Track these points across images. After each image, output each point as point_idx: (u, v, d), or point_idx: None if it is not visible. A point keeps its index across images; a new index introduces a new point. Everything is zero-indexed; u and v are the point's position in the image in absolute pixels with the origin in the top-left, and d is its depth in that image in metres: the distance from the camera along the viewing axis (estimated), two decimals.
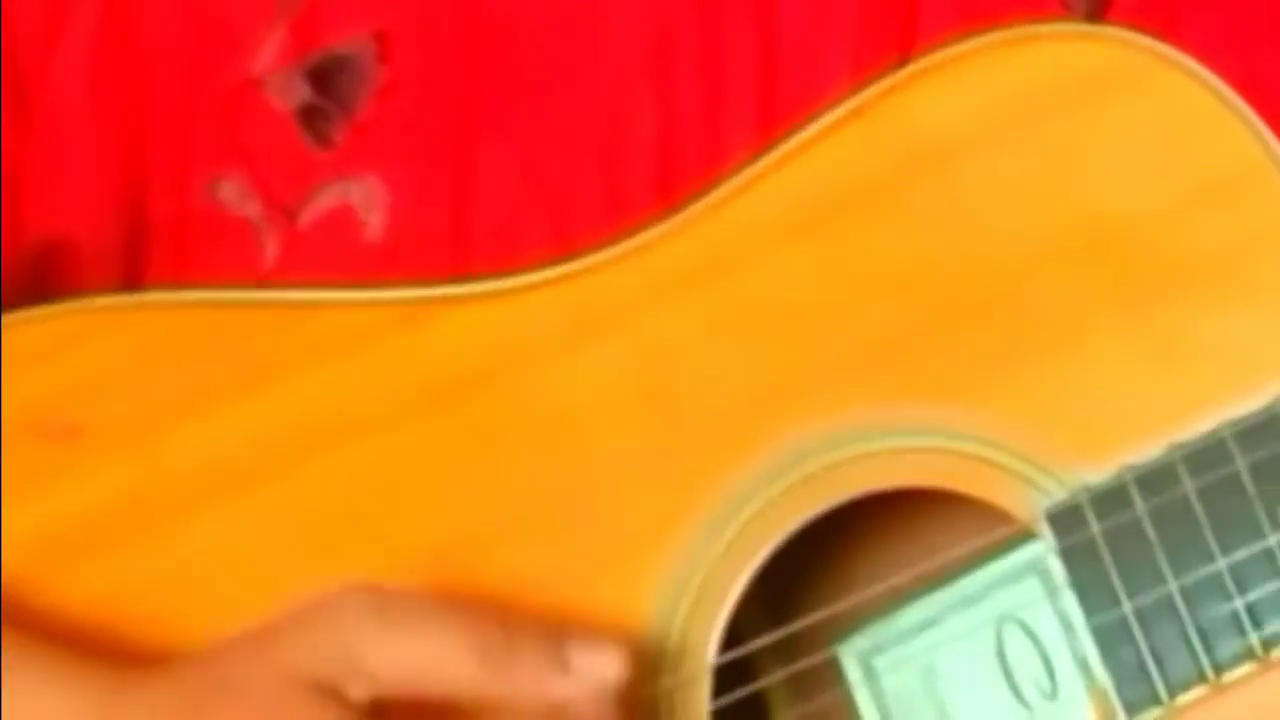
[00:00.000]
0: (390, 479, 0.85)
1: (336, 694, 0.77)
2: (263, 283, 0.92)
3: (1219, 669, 0.78)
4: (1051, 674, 0.84)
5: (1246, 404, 0.80)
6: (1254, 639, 0.78)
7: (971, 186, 0.84)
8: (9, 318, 0.86)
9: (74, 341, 0.88)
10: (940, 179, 0.84)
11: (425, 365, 0.86)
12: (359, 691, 0.77)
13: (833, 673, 0.86)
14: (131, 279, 0.94)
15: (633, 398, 0.85)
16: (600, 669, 0.78)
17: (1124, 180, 0.83)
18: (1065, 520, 0.81)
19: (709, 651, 0.82)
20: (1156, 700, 0.78)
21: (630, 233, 0.86)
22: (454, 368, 0.86)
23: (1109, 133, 0.83)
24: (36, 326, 0.88)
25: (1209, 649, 0.78)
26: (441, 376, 0.86)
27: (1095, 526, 0.80)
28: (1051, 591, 0.83)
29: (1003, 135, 0.83)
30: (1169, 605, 0.79)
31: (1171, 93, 0.82)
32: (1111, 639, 0.80)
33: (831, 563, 0.88)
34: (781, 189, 0.85)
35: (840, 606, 0.85)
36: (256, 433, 0.86)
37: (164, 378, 0.87)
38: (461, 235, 0.93)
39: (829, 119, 0.84)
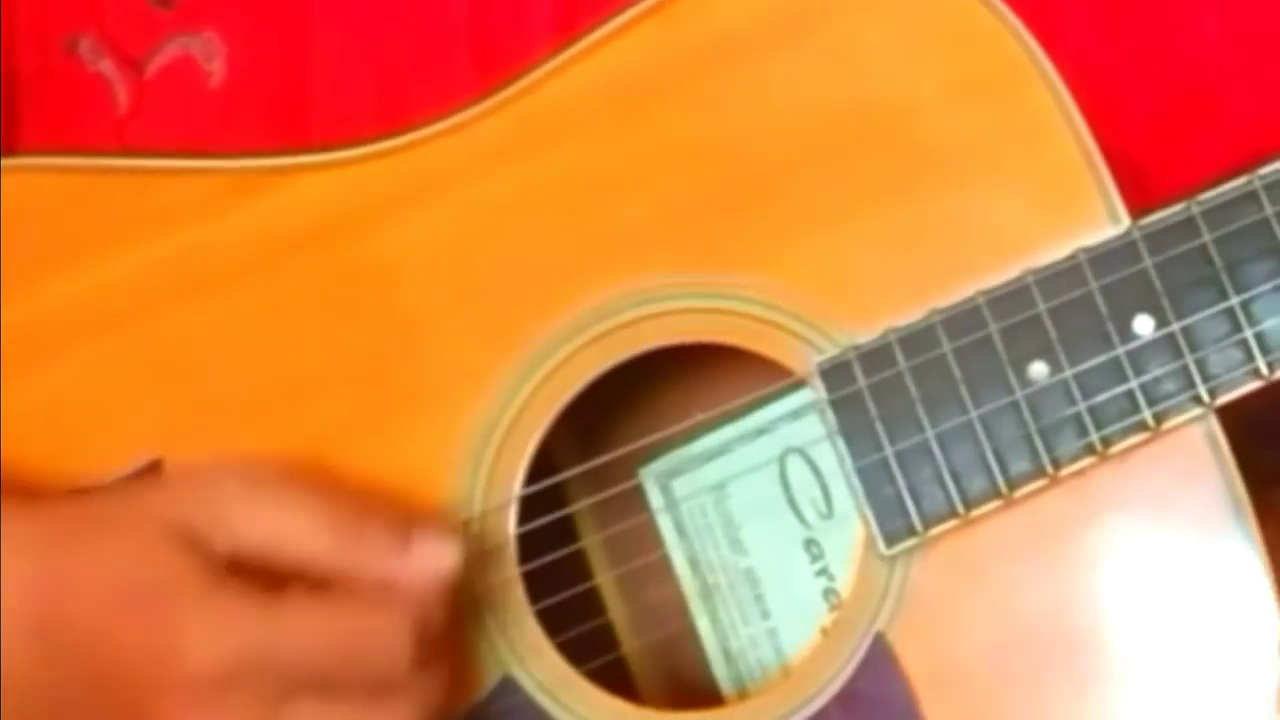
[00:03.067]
0: (227, 332, 0.86)
1: (200, 545, 0.77)
2: (120, 129, 0.94)
3: (968, 504, 0.81)
4: (828, 497, 0.88)
5: (999, 275, 0.83)
6: (999, 479, 0.81)
7: (758, 76, 0.85)
8: None
9: None
10: (731, 69, 0.85)
11: (262, 228, 0.87)
12: (221, 547, 0.78)
13: (636, 500, 0.88)
14: (9, 126, 0.95)
15: (450, 260, 0.86)
16: (436, 555, 0.79)
17: (893, 74, 0.85)
18: (836, 375, 0.83)
19: (516, 482, 0.84)
20: (912, 531, 0.82)
21: (450, 111, 0.86)
22: (288, 231, 0.87)
23: (881, 32, 0.85)
24: None
25: (960, 488, 0.82)
26: (278, 239, 0.86)
27: (862, 381, 0.83)
28: (828, 430, 0.85)
29: (786, 31, 0.85)
30: (925, 450, 0.82)
31: None
32: (874, 479, 0.83)
33: (638, 407, 0.90)
34: (589, 74, 0.85)
35: (642, 442, 0.88)
36: (114, 286, 0.86)
37: (33, 235, 0.87)
38: (297, 83, 0.95)
39: (632, 13, 0.85)
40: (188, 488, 0.81)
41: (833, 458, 0.85)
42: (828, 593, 0.89)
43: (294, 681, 0.77)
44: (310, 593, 0.78)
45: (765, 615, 0.89)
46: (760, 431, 0.89)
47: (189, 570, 0.77)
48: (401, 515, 0.81)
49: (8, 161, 0.90)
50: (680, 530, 0.89)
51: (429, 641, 0.79)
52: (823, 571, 0.89)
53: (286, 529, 0.79)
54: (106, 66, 0.95)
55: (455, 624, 0.82)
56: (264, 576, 0.78)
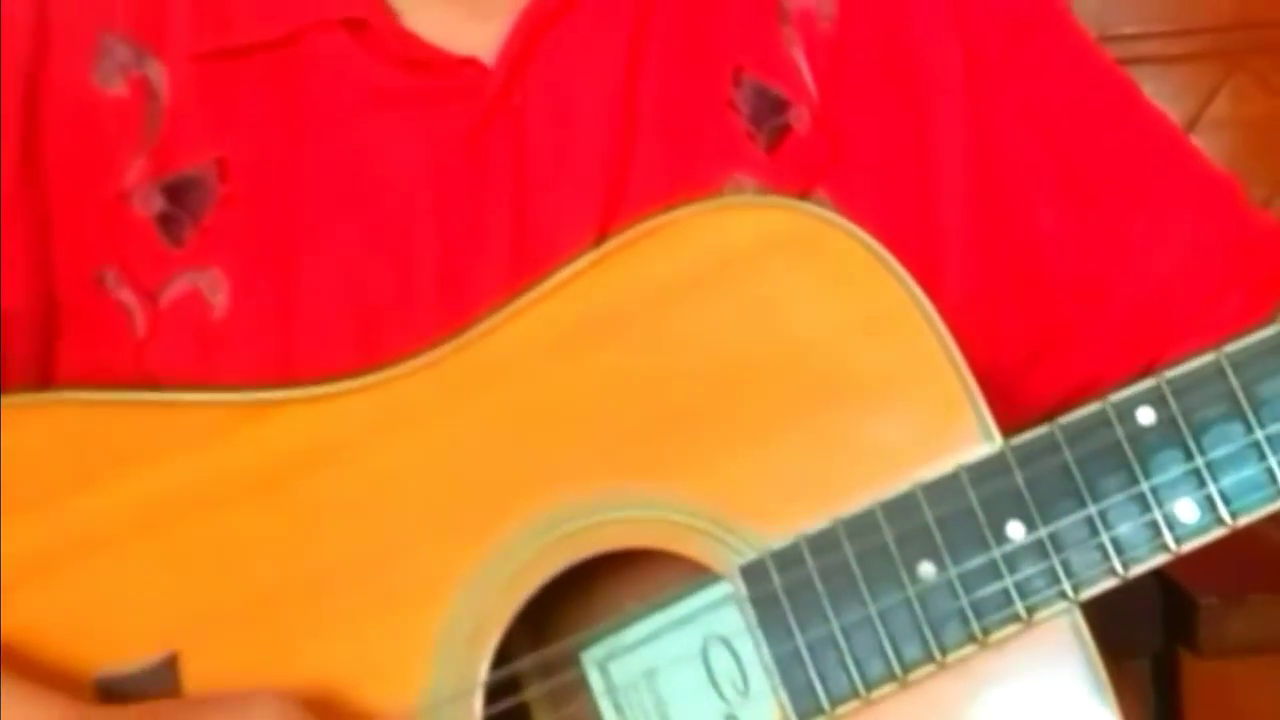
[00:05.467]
0: (231, 544, 0.89)
1: None
2: (139, 351, 0.98)
3: (869, 687, 0.85)
4: (746, 679, 0.90)
5: (892, 488, 0.86)
6: (895, 665, 0.85)
7: (688, 317, 0.89)
8: None
9: None
10: (661, 312, 0.89)
11: (256, 456, 0.90)
12: None
13: (581, 685, 0.91)
14: (48, 343, 1.01)
15: (421, 480, 0.89)
16: None
17: (799, 315, 0.89)
18: (754, 574, 0.87)
19: (480, 671, 0.87)
20: (820, 711, 0.85)
21: (420, 350, 0.90)
22: (279, 458, 0.90)
23: (789, 277, 0.89)
24: None
25: (861, 672, 0.85)
26: (270, 465, 0.90)
27: (776, 580, 0.86)
28: (747, 622, 0.87)
29: (710, 279, 0.89)
30: (831, 640, 0.86)
31: (835, 247, 0.88)
32: (788, 665, 0.86)
33: (583, 602, 0.92)
34: (538, 319, 0.90)
35: (585, 634, 0.91)
36: (127, 506, 0.90)
37: (65, 456, 0.91)
38: (287, 315, 0.98)
39: (576, 265, 0.89)
40: (238, 711, 0.85)
41: (750, 644, 0.87)
42: None
43: None
44: None
45: None
46: (685, 620, 0.91)
47: None
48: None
49: (42, 396, 0.95)
50: (619, 710, 0.91)
51: None
52: None
53: None
54: (127, 296, 0.99)
55: None
56: None
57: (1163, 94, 2.03)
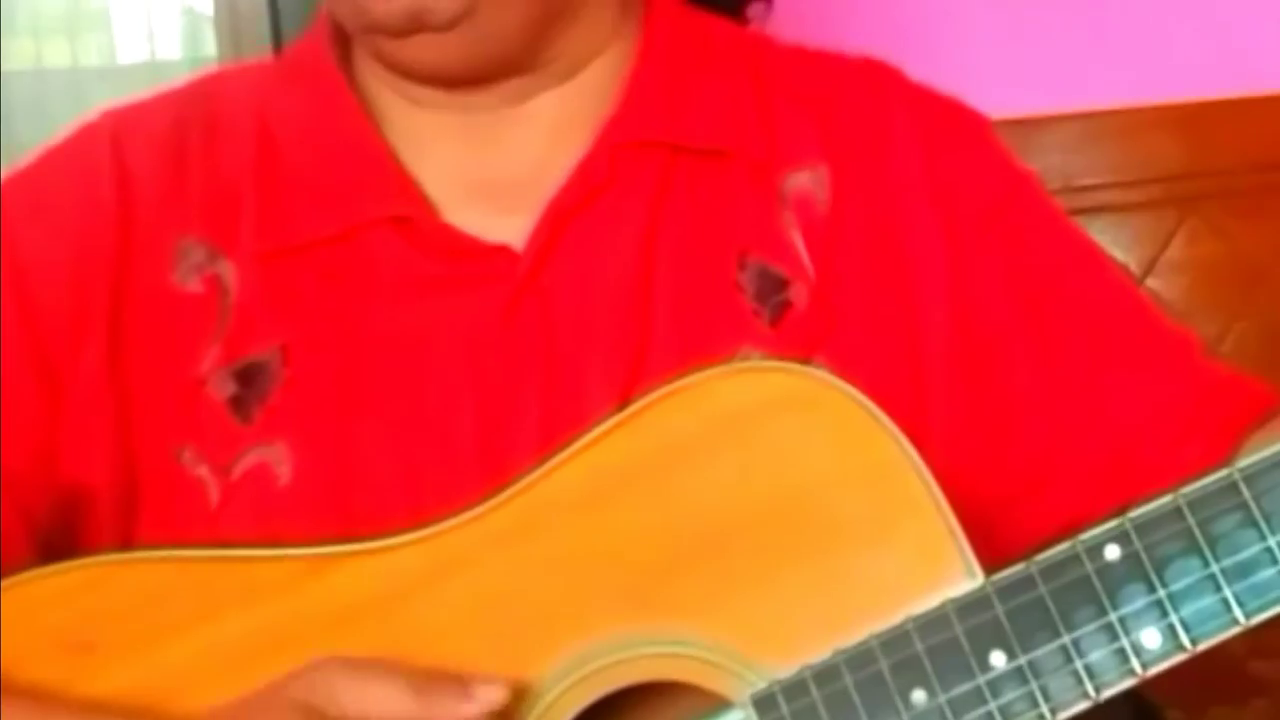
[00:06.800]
0: None
1: (315, 713, 0.88)
2: (214, 520, 1.03)
3: None
4: None
5: (886, 620, 0.90)
6: None
7: (701, 469, 0.93)
8: (41, 570, 0.97)
9: (87, 585, 0.97)
10: (678, 466, 0.93)
11: (322, 604, 0.95)
12: (333, 713, 0.88)
13: None
14: (130, 514, 1.06)
15: (468, 621, 0.94)
16: (491, 694, 0.89)
17: (799, 466, 0.92)
18: (764, 703, 0.90)
19: None
20: None
21: (465, 507, 0.95)
22: (342, 606, 0.95)
23: (792, 432, 0.93)
24: (60, 576, 0.97)
25: None
26: (334, 612, 0.95)
27: (785, 708, 0.90)
28: None
29: (721, 434, 0.93)
30: None
31: (833, 405, 0.93)
32: None
33: None
34: (570, 475, 0.94)
35: None
36: (216, 651, 0.95)
37: (150, 609, 0.96)
38: (345, 483, 1.04)
39: (603, 426, 0.94)
40: (305, 677, 0.90)
41: None
42: None
43: None
44: None
45: None
46: None
47: None
48: (459, 676, 0.90)
49: (127, 555, 1.01)
50: None
51: None
52: None
53: (379, 696, 0.89)
54: (203, 471, 1.05)
55: None
56: None
57: (1121, 240, 2.11)
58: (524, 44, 1.07)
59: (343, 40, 1.14)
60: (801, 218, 1.10)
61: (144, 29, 3.17)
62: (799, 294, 1.08)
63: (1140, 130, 2.17)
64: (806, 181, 1.11)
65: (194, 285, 1.07)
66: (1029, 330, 1.10)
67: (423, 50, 1.03)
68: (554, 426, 1.00)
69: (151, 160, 1.08)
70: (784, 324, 1.07)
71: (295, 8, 2.19)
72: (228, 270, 1.07)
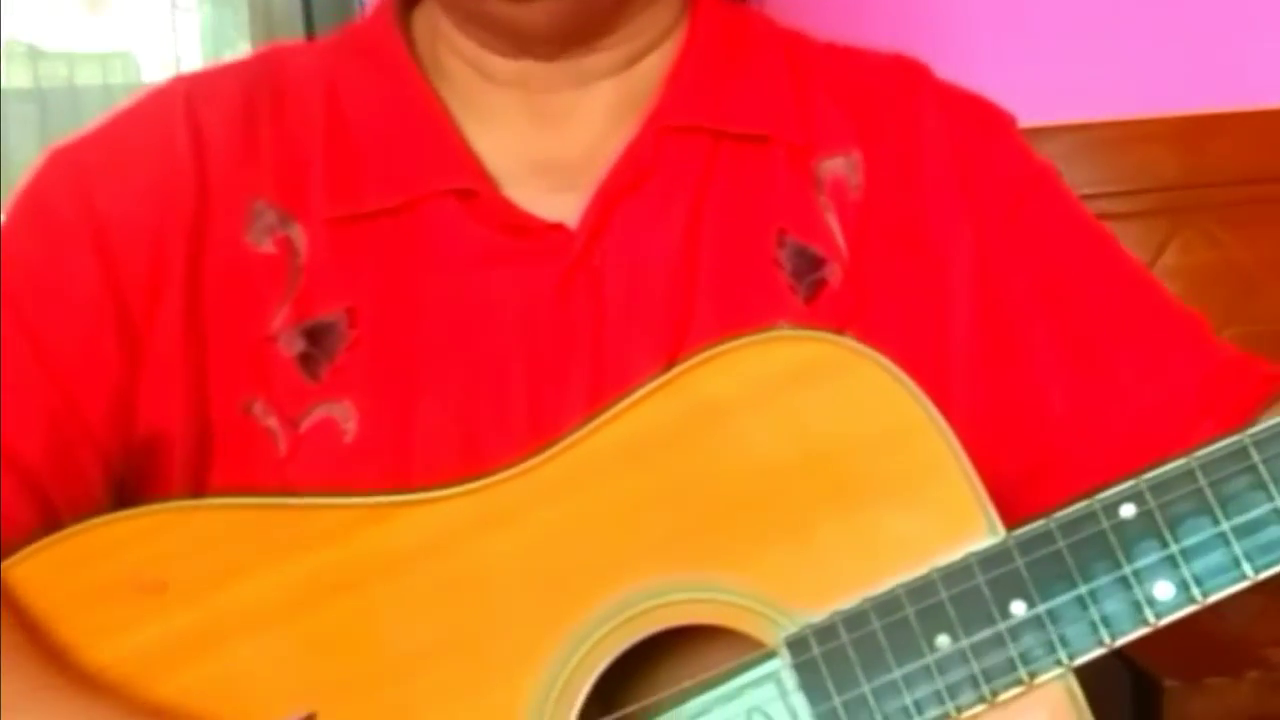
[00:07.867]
0: (359, 622, 0.96)
1: None
2: (281, 469, 1.05)
3: None
4: None
5: (913, 572, 0.93)
6: None
7: (737, 430, 0.95)
8: (118, 514, 0.99)
9: (161, 528, 0.99)
10: (716, 424, 0.95)
11: (380, 549, 0.97)
12: None
13: None
14: (202, 463, 1.08)
15: (516, 568, 0.96)
16: None
17: (830, 428, 0.95)
18: (797, 645, 0.93)
19: None
20: None
21: (515, 461, 0.97)
22: (399, 551, 0.97)
23: (824, 396, 0.95)
24: (136, 519, 0.99)
25: None
26: (391, 556, 0.97)
27: (816, 650, 0.93)
28: (784, 693, 0.94)
29: (757, 397, 0.95)
30: (863, 701, 0.92)
31: (863, 371, 0.95)
32: None
33: (650, 673, 0.97)
34: (614, 434, 0.96)
35: (649, 702, 0.97)
36: (270, 592, 0.97)
37: (218, 552, 0.98)
38: (405, 437, 1.06)
39: (645, 389, 0.97)
40: None
41: (786, 715, 0.94)
42: None
43: None
44: None
45: None
46: (732, 695, 0.96)
47: None
48: None
49: (199, 501, 1.03)
50: None
51: None
52: None
53: None
54: (272, 423, 1.07)
55: None
56: None
57: None
58: (617, 6, 1.11)
59: (406, 17, 1.17)
60: (836, 201, 1.12)
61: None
62: (834, 273, 1.10)
63: (1135, 142, 2.19)
64: (841, 167, 1.13)
65: (267, 246, 1.09)
66: (1049, 313, 1.12)
67: (538, 10, 1.05)
68: (601, 393, 1.02)
69: (224, 123, 1.10)
70: (819, 301, 1.09)
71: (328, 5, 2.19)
72: (298, 234, 1.09)
